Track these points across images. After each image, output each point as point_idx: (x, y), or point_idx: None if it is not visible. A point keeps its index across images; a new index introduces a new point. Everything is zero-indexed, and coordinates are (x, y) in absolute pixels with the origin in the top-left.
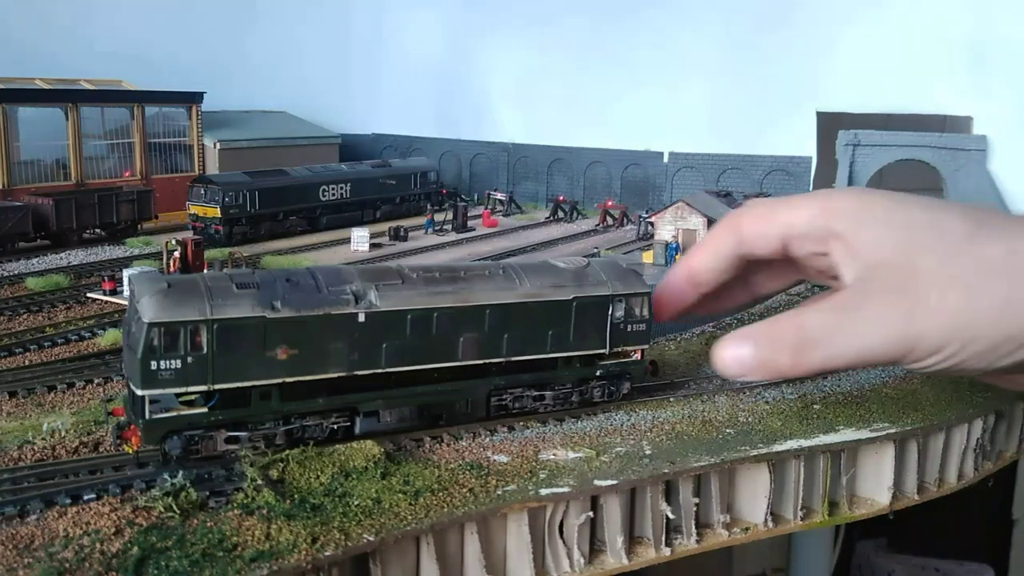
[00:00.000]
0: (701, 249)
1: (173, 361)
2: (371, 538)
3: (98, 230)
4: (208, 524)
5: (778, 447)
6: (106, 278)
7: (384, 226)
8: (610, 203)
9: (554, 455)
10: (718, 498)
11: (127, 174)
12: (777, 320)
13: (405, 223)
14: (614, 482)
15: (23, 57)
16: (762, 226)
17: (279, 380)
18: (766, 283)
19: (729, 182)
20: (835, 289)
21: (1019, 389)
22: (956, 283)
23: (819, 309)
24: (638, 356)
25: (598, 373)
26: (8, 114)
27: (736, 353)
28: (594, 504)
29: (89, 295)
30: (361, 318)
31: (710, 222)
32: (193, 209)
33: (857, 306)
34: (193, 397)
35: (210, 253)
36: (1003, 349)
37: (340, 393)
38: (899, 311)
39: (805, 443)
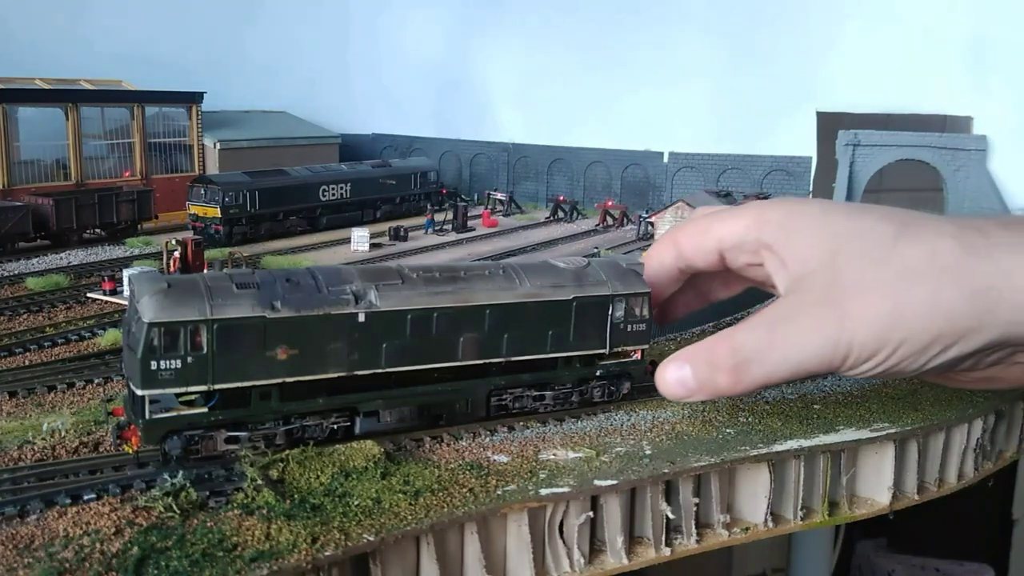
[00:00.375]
0: (644, 264)
1: (173, 361)
2: (371, 538)
3: (98, 230)
4: (208, 524)
5: (778, 447)
6: (106, 278)
7: (384, 226)
8: (610, 203)
9: (554, 455)
10: (718, 498)
11: (127, 174)
12: (713, 341)
13: (405, 223)
14: (614, 482)
15: (23, 57)
16: (698, 240)
17: (279, 380)
18: (718, 290)
19: (729, 182)
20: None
21: (962, 387)
22: (882, 288)
23: (752, 327)
24: (638, 356)
25: (598, 373)
26: (8, 114)
27: (679, 375)
28: (594, 504)
29: (89, 295)
30: (361, 318)
31: None
32: (193, 209)
33: (788, 320)
34: (193, 397)
35: (210, 253)
36: (933, 349)
37: (340, 393)
38: (829, 321)
39: (805, 443)
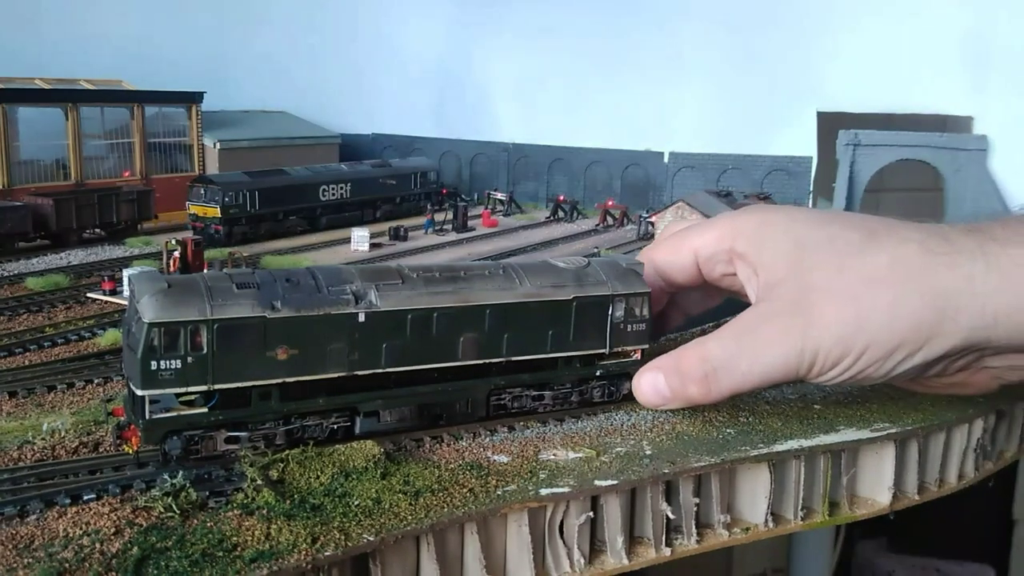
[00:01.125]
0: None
1: (173, 361)
2: (371, 538)
3: (98, 230)
4: (208, 524)
5: (779, 447)
6: (106, 278)
7: (384, 226)
8: (610, 203)
9: (554, 455)
10: (718, 498)
11: (127, 174)
12: (683, 352)
13: (405, 223)
14: (614, 482)
15: (23, 57)
16: (673, 255)
17: (279, 380)
18: (698, 304)
19: (729, 182)
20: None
21: (933, 392)
22: (846, 295)
23: (721, 336)
24: (638, 356)
25: (598, 373)
26: (8, 114)
27: (653, 384)
28: (594, 504)
29: (89, 295)
30: (361, 318)
31: None
32: (193, 209)
33: (756, 329)
34: (193, 397)
35: (210, 253)
36: (898, 355)
37: (340, 393)
38: (795, 329)
39: (806, 443)
